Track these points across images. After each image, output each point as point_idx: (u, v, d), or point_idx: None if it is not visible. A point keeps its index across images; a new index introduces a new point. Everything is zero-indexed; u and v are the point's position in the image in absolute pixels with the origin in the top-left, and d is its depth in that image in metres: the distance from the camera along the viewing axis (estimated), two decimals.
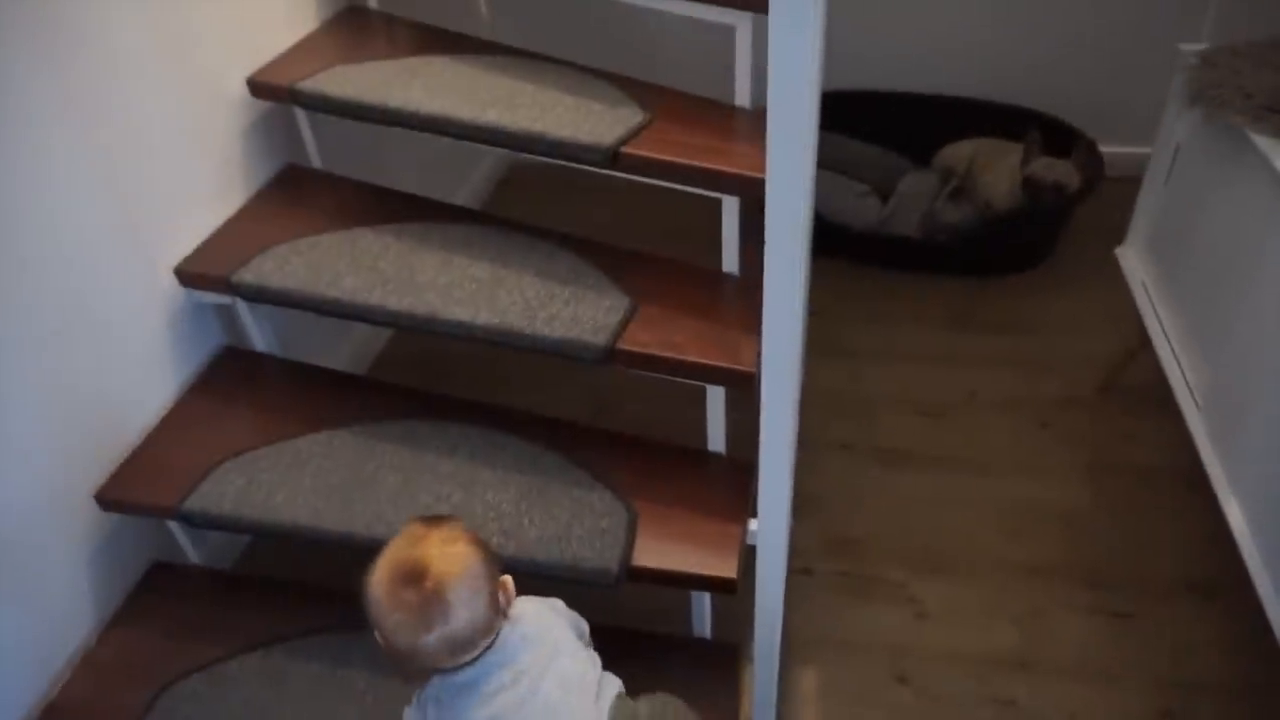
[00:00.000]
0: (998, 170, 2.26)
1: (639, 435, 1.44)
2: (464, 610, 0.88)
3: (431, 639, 0.87)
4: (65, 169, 1.26)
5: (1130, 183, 1.85)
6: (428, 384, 1.56)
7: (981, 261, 2.30)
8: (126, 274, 1.41)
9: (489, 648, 0.91)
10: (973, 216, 2.28)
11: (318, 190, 1.74)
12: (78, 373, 1.32)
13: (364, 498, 1.33)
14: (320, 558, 1.30)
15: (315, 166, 1.79)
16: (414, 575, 0.87)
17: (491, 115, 1.44)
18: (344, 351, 2.02)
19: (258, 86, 1.61)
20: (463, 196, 2.56)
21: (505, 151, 2.06)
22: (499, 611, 0.93)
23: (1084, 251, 2.32)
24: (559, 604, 1.04)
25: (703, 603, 1.33)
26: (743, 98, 1.46)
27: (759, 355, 1.29)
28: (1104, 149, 2.23)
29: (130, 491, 1.37)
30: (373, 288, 1.42)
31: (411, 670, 0.92)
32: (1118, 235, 1.86)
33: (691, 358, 1.26)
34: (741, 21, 1.36)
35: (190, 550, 1.51)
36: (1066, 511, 1.73)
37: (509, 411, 1.49)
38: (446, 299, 1.39)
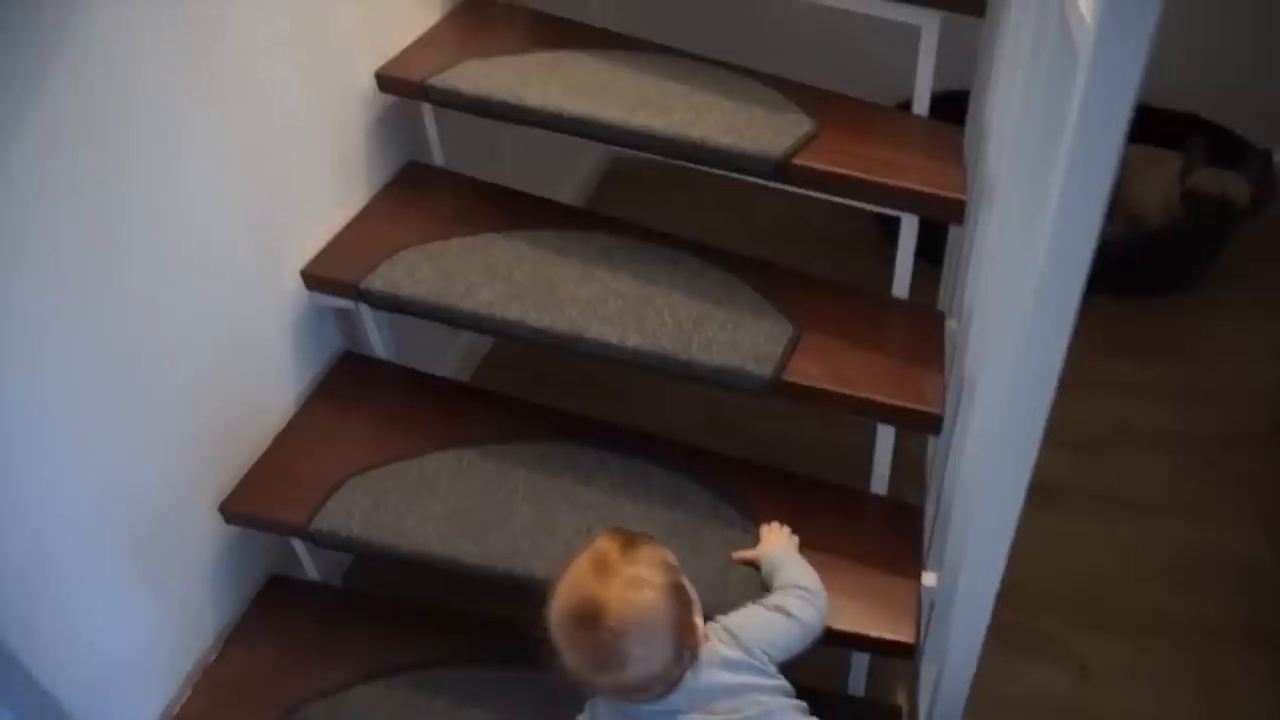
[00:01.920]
0: (1152, 181, 2.07)
1: (785, 469, 1.34)
2: (640, 663, 0.84)
3: (605, 681, 0.85)
4: (199, 167, 1.20)
5: None
6: (537, 390, 1.47)
7: (1131, 280, 2.13)
8: (254, 275, 1.34)
9: (672, 687, 0.87)
10: (1121, 230, 2.10)
11: (440, 190, 1.66)
12: (205, 378, 1.27)
13: (499, 527, 1.25)
14: (433, 577, 1.23)
15: (437, 164, 1.71)
16: (592, 618, 0.83)
17: (643, 118, 1.34)
18: (453, 352, 1.95)
19: (387, 81, 1.53)
20: (569, 191, 2.48)
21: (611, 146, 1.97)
22: (683, 660, 0.87)
23: (1247, 273, 2.13)
24: (753, 627, 0.96)
25: (862, 662, 1.22)
26: (921, 105, 1.33)
27: (943, 393, 1.17)
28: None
29: (255, 505, 1.32)
30: (510, 301, 1.33)
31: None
32: None
33: (867, 394, 1.15)
34: (929, 22, 1.23)
35: (310, 566, 1.46)
36: (1242, 564, 1.57)
37: (645, 435, 1.39)
38: (591, 316, 1.29)
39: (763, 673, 0.94)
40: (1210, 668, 1.44)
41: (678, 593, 0.86)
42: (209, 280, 1.25)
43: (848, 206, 1.29)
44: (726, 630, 0.95)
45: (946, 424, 1.16)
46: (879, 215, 2.22)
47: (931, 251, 1.49)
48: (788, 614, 0.98)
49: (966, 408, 1.16)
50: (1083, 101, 0.59)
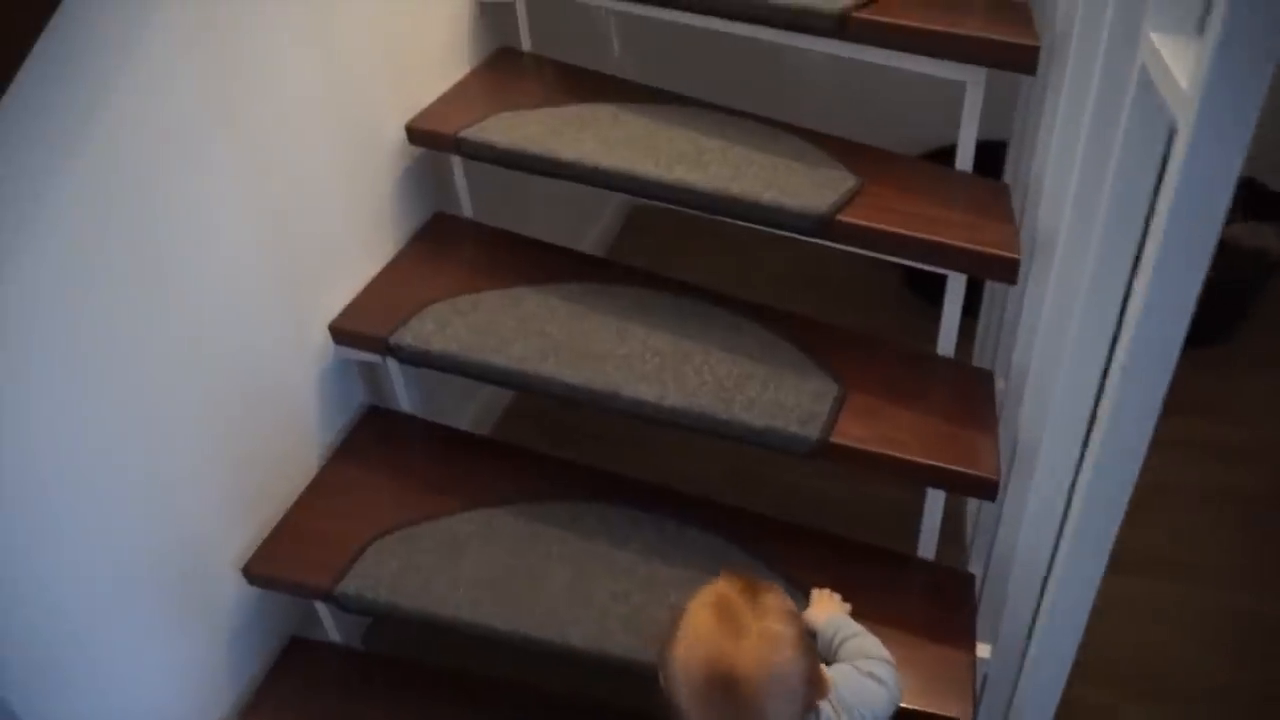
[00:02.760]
0: None
1: (825, 531, 1.29)
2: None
3: None
4: (228, 221, 1.18)
5: None
6: (559, 443, 1.43)
7: None
8: (282, 331, 1.32)
9: None
10: None
11: (469, 242, 1.64)
12: (230, 435, 1.23)
13: (533, 592, 1.20)
14: (459, 639, 1.18)
15: (465, 215, 1.70)
16: (728, 680, 0.78)
17: (679, 173, 1.32)
18: (474, 404, 1.92)
19: (417, 134, 1.52)
20: (591, 239, 2.46)
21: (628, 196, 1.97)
22: (811, 709, 0.83)
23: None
24: (854, 692, 0.92)
25: None
26: (965, 160, 1.31)
27: (998, 456, 1.13)
28: None
29: (279, 567, 1.27)
30: (545, 357, 1.30)
31: None
32: None
33: (919, 458, 1.11)
34: (975, 78, 1.21)
35: (332, 629, 1.41)
36: None
37: (678, 495, 1.35)
38: (628, 374, 1.26)
39: None
40: None
41: (807, 645, 0.83)
42: (236, 336, 1.22)
43: (868, 256, 1.26)
44: (837, 691, 0.91)
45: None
46: (904, 267, 2.20)
47: (965, 305, 1.46)
48: (880, 682, 0.93)
49: (1022, 471, 1.12)
50: (1184, 171, 0.56)
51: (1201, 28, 0.66)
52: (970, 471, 1.09)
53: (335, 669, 1.37)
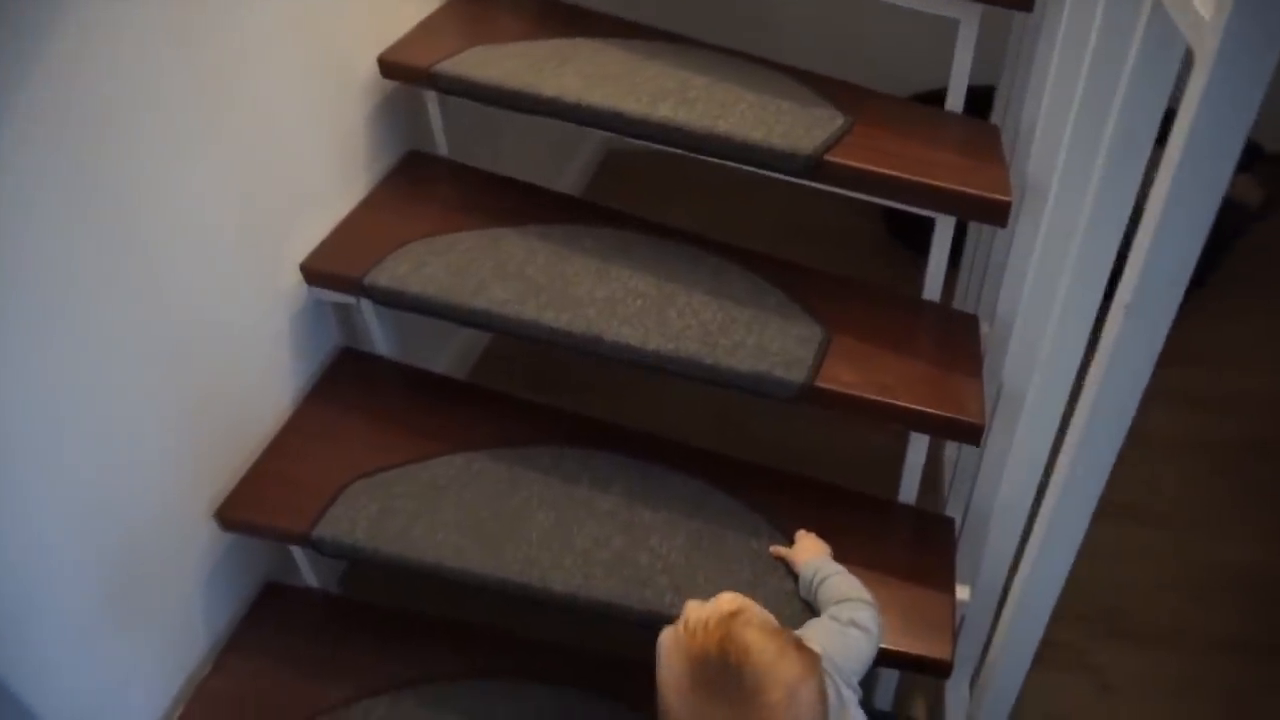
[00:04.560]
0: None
1: (808, 476, 1.29)
2: None
3: None
4: (194, 159, 1.12)
5: None
6: (539, 387, 1.41)
7: None
8: (250, 271, 1.27)
9: None
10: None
11: (445, 180, 1.59)
12: (198, 379, 1.19)
13: (513, 537, 1.19)
14: (437, 584, 1.17)
15: (440, 153, 1.64)
16: None
17: (665, 110, 1.28)
18: (452, 347, 1.89)
19: (390, 67, 1.46)
20: (568, 178, 2.41)
21: (608, 135, 1.91)
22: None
23: (1259, 275, 2.11)
24: (842, 655, 0.89)
25: (892, 678, 1.18)
26: (956, 101, 1.28)
27: (983, 402, 1.13)
28: None
29: (254, 512, 1.25)
30: (525, 299, 1.27)
31: None
32: None
33: (905, 403, 1.10)
34: (968, 16, 1.18)
35: (309, 573, 1.39)
36: (1264, 579, 1.55)
37: (660, 440, 1.34)
38: (610, 316, 1.24)
39: (856, 694, 0.88)
40: (1231, 681, 1.41)
41: (810, 670, 0.72)
42: (203, 277, 1.17)
43: (852, 202, 1.24)
44: (829, 660, 0.84)
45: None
46: (886, 212, 2.18)
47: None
48: (865, 629, 0.93)
49: (1006, 417, 1.12)
50: (1203, 103, 0.54)
51: None
52: (955, 416, 1.08)
53: (312, 614, 1.36)
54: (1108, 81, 0.77)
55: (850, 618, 0.94)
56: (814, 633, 0.92)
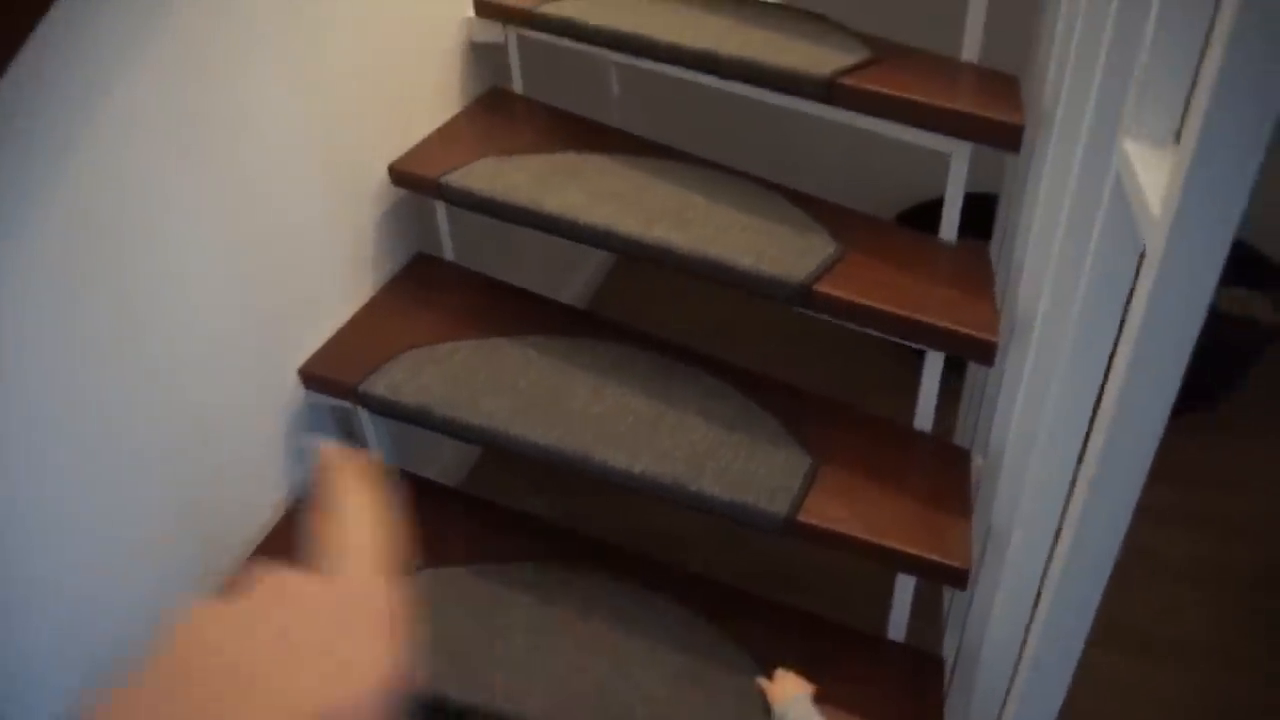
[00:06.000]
0: None
1: (797, 606, 1.26)
2: None
3: None
4: (204, 260, 1.15)
5: None
6: (538, 487, 1.39)
7: None
8: (250, 374, 1.29)
9: None
10: None
11: (449, 286, 1.62)
12: (192, 475, 1.20)
13: (488, 659, 1.17)
14: None
15: (447, 258, 1.68)
16: None
17: (659, 231, 1.30)
18: (454, 443, 1.89)
19: (401, 176, 1.50)
20: (578, 283, 2.44)
21: None
22: None
23: (1272, 397, 2.07)
24: None
25: None
26: (949, 230, 1.29)
27: (970, 543, 1.10)
28: None
29: None
30: (516, 414, 1.28)
31: None
32: None
33: (890, 543, 1.08)
34: (959, 151, 1.20)
35: None
36: (1272, 716, 1.48)
37: (648, 561, 1.32)
38: (600, 435, 1.23)
39: None
40: None
41: None
42: (201, 383, 1.19)
43: None
44: None
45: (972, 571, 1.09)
46: None
47: (950, 365, 1.43)
48: None
49: (994, 557, 1.09)
50: (1150, 300, 0.54)
51: (1178, 137, 0.64)
52: (940, 560, 1.06)
53: None
54: (1081, 239, 0.77)
55: None
56: None
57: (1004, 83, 1.28)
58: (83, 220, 0.96)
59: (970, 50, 1.42)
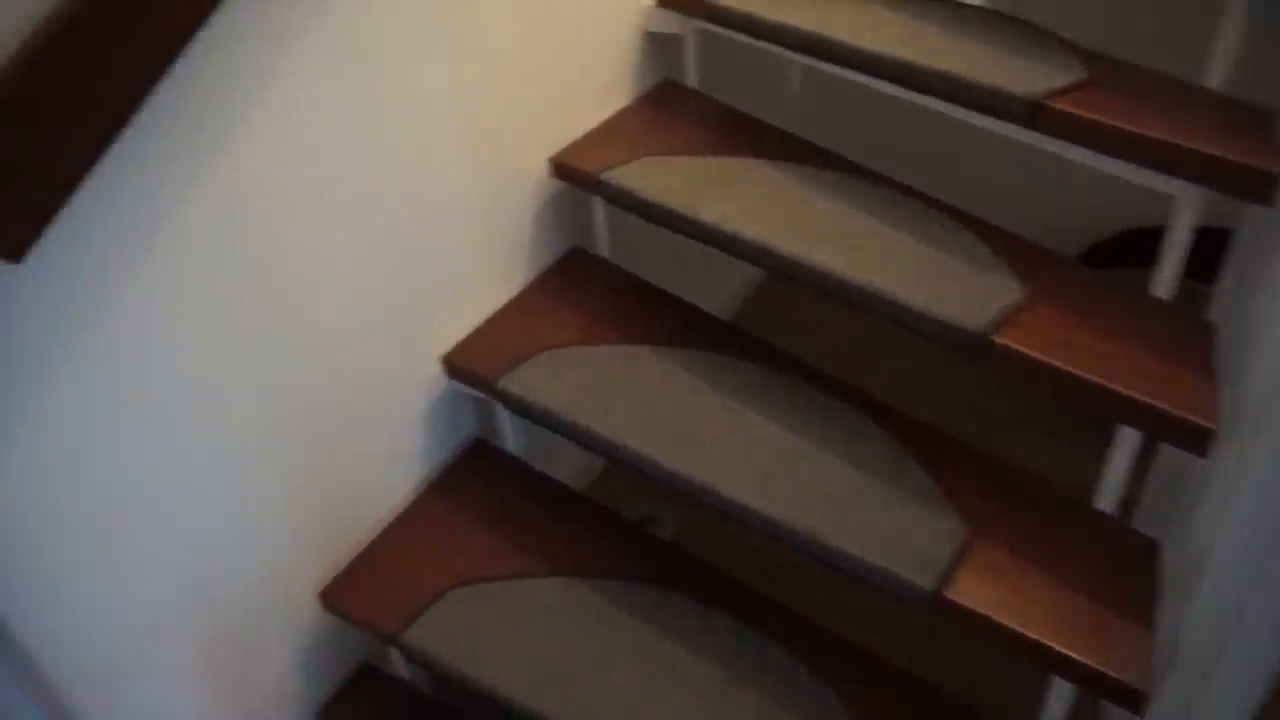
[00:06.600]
0: None
1: (928, 683, 1.14)
2: None
3: None
4: (354, 244, 1.16)
5: None
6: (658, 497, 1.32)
7: None
8: (394, 358, 1.30)
9: None
10: None
11: (599, 284, 1.58)
12: (323, 460, 1.23)
13: (588, 685, 1.12)
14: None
15: (601, 254, 1.64)
16: None
17: (822, 255, 1.20)
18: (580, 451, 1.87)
19: (561, 169, 1.47)
20: (731, 287, 2.36)
21: None
22: None
23: None
24: None
25: None
26: (1166, 287, 1.11)
27: (1151, 657, 0.94)
28: None
29: (354, 601, 1.26)
30: (645, 431, 1.22)
31: None
32: None
33: (1045, 640, 0.94)
34: (1188, 195, 1.02)
35: (401, 664, 1.39)
36: None
37: (772, 605, 1.23)
38: (730, 470, 1.16)
39: None
40: None
41: None
42: (345, 356, 1.21)
43: None
44: None
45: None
46: None
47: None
48: None
49: (1180, 680, 0.93)
50: None
51: None
52: (1109, 673, 0.91)
53: (395, 706, 1.36)
54: None
55: None
56: None
57: (1255, 116, 1.08)
58: (228, 213, 0.98)
59: (1216, 74, 1.21)
